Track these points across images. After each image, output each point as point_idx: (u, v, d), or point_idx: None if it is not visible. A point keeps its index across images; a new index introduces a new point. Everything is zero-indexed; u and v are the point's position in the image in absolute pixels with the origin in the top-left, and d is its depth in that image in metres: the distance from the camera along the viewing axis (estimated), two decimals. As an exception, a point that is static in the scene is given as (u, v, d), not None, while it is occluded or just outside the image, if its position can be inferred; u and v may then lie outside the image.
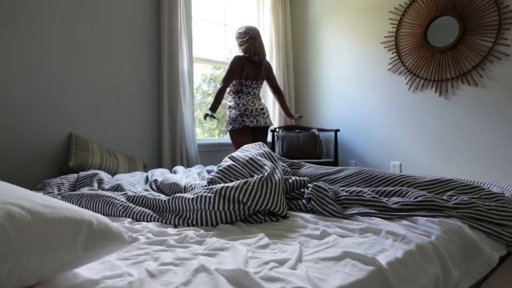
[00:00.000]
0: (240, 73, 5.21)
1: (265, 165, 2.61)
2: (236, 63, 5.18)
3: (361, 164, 6.17)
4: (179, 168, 4.08)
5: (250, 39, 5.17)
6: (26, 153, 4.13)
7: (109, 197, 2.57)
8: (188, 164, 5.28)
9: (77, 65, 4.49)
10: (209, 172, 3.69)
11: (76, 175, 3.68)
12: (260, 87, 5.42)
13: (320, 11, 6.75)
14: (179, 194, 2.34)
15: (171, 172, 4.07)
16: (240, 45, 5.27)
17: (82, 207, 2.58)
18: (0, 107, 3.96)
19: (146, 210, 2.39)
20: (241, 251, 1.55)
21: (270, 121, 5.40)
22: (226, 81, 5.15)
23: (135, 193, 2.69)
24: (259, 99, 5.39)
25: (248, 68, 5.21)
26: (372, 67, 6.02)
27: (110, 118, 4.79)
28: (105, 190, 3.07)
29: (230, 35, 6.50)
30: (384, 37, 5.84)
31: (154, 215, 2.33)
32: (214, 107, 5.12)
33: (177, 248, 1.73)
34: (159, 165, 5.25)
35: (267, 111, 5.37)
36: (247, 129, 5.25)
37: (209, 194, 2.22)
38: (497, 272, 2.27)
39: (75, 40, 4.47)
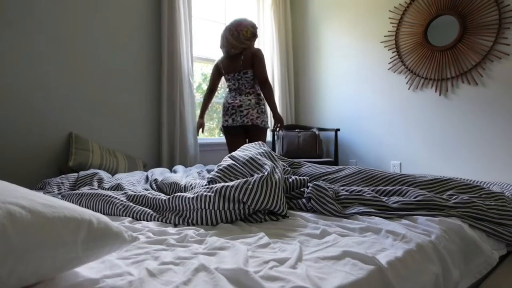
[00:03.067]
0: (217, 72, 5.20)
1: (265, 164, 2.61)
2: (214, 67, 5.22)
3: (361, 163, 6.17)
4: (179, 167, 4.08)
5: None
6: (26, 153, 4.13)
7: (109, 196, 2.57)
8: (188, 164, 5.28)
9: (77, 65, 4.49)
10: (209, 171, 3.69)
11: (76, 174, 3.68)
12: (244, 80, 4.96)
13: (320, 10, 6.76)
14: (179, 194, 2.34)
15: (171, 171, 4.08)
16: None
17: (82, 206, 2.58)
18: (0, 107, 3.96)
19: (146, 209, 2.39)
20: (241, 251, 1.55)
21: (252, 119, 4.86)
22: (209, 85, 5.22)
23: (135, 192, 2.69)
24: (244, 94, 4.97)
25: (223, 63, 5.09)
26: (372, 66, 6.02)
27: (110, 117, 4.80)
28: (105, 190, 3.07)
29: (230, 34, 6.49)
30: (384, 36, 5.84)
31: (154, 214, 2.33)
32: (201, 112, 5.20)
33: (177, 247, 1.73)
34: (159, 165, 5.26)
35: (248, 108, 4.87)
36: (228, 129, 5.01)
37: (209, 194, 2.23)
38: (497, 271, 2.28)
39: (75, 39, 4.47)
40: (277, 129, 4.93)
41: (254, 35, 4.96)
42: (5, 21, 3.98)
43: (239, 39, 4.90)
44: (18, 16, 4.06)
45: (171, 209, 2.34)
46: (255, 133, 4.95)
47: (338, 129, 6.14)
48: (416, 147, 5.57)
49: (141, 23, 5.08)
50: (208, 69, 6.40)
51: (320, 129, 6.28)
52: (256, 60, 4.86)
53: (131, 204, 2.47)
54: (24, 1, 4.09)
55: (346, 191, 2.63)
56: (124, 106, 4.92)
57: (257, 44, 6.91)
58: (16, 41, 4.06)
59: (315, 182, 2.57)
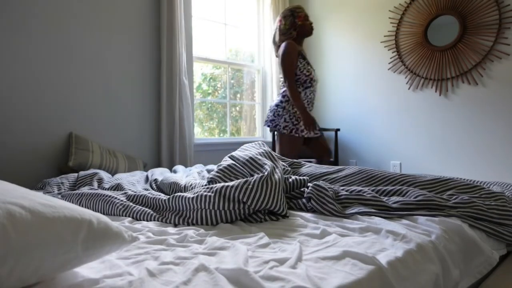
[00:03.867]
0: None
1: (265, 164, 2.61)
2: None
3: (361, 163, 6.17)
4: (179, 167, 4.08)
5: None
6: (26, 153, 4.13)
7: (109, 196, 2.57)
8: (188, 164, 5.27)
9: (76, 65, 4.49)
10: (209, 171, 3.69)
11: (76, 174, 3.68)
12: (281, 81, 4.68)
13: (320, 10, 6.76)
14: (179, 194, 2.35)
15: (171, 171, 4.08)
16: None
17: (82, 206, 2.58)
18: (0, 107, 3.96)
19: (146, 209, 2.40)
20: (241, 251, 1.56)
21: (266, 121, 4.73)
22: None
23: (135, 192, 2.69)
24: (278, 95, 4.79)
25: None
26: (372, 66, 6.02)
27: (110, 117, 4.80)
28: (105, 190, 3.07)
29: (230, 34, 6.51)
30: (384, 36, 5.84)
31: (154, 214, 2.34)
32: None
33: (177, 247, 1.73)
34: (159, 165, 5.25)
35: (268, 110, 4.74)
36: None
37: (209, 194, 2.23)
38: (497, 271, 2.28)
39: (75, 40, 4.47)
40: (310, 132, 4.58)
41: (292, 24, 4.62)
42: (6, 21, 3.98)
43: (275, 41, 4.76)
44: (19, 17, 4.06)
45: (171, 209, 2.35)
46: (278, 137, 4.70)
47: (338, 129, 6.12)
48: (416, 147, 5.58)
49: (140, 23, 5.08)
50: (208, 69, 6.40)
51: (320, 129, 6.27)
52: (279, 58, 4.61)
53: (131, 204, 2.47)
54: (25, 2, 4.09)
55: (346, 191, 2.62)
56: (124, 106, 4.92)
57: (256, 42, 6.92)
58: (16, 41, 4.06)
59: (315, 182, 2.57)
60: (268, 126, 4.68)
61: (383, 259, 1.55)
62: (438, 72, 5.28)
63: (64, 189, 3.37)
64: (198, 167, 4.09)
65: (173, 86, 5.23)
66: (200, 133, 6.23)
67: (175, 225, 2.23)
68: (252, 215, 2.28)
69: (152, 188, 3.21)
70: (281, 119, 4.59)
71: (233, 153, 2.96)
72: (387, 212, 2.30)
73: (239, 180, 2.32)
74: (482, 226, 2.21)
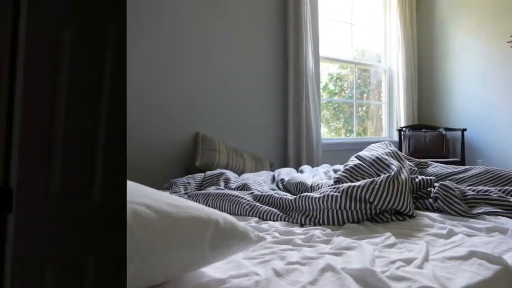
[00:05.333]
0: None
1: (392, 164, 2.62)
2: None
3: (488, 163, 5.99)
4: (305, 167, 4.09)
5: None
6: (153, 153, 4.24)
7: (236, 196, 2.63)
8: (315, 164, 5.26)
9: (205, 67, 4.61)
10: (335, 171, 3.68)
11: (202, 174, 3.73)
12: None
13: (446, 10, 6.69)
14: (305, 194, 2.38)
15: (297, 171, 4.09)
16: None
17: (209, 206, 2.62)
18: (132, 108, 4.04)
19: (273, 209, 2.43)
20: (368, 250, 1.57)
21: None
22: None
23: (261, 192, 2.74)
24: None
25: None
26: (498, 66, 5.91)
27: (236, 118, 4.87)
28: (232, 189, 3.12)
29: (356, 34, 6.52)
30: (511, 36, 5.69)
31: (281, 214, 2.37)
32: None
33: (304, 247, 1.75)
34: (285, 165, 5.25)
35: None
36: None
37: (336, 194, 2.25)
38: None
39: (203, 43, 4.59)
40: None
41: None
42: (143, 26, 4.12)
43: None
44: (154, 22, 4.21)
45: (298, 209, 2.37)
46: None
47: (465, 129, 6.08)
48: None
49: (267, 25, 5.16)
50: (335, 69, 6.43)
51: (447, 129, 6.25)
52: None
53: (257, 204, 2.51)
54: (161, 9, 4.24)
55: (473, 191, 2.59)
56: (250, 107, 5.01)
57: (383, 42, 6.90)
58: (150, 46, 4.20)
59: (441, 182, 2.56)
60: None
61: (510, 259, 1.52)
62: None
63: (191, 189, 3.42)
64: (324, 167, 4.08)
65: (299, 86, 5.25)
66: (326, 133, 6.27)
67: (302, 225, 2.25)
68: (379, 215, 2.28)
69: (279, 188, 3.24)
70: None
71: (360, 153, 2.98)
72: (514, 212, 2.25)
73: (365, 180, 2.34)
74: None
